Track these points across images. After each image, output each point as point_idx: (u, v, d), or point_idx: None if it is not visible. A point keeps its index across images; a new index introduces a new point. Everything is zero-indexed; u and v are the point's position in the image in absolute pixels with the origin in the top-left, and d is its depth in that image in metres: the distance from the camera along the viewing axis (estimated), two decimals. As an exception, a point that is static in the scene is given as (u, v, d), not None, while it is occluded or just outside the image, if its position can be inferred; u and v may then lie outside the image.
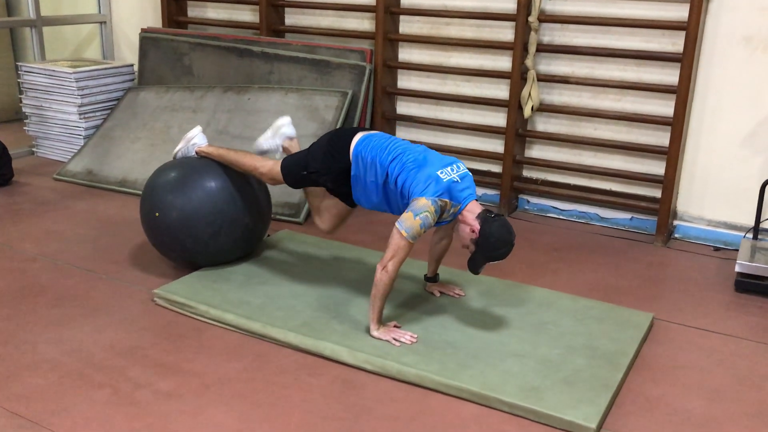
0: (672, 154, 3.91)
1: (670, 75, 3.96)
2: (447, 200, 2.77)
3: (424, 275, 3.33)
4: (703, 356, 2.88)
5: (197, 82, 5.12)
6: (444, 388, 2.56)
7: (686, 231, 4.11)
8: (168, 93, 5.12)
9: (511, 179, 4.39)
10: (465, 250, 2.86)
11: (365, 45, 4.77)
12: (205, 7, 5.42)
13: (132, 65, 5.45)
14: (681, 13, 3.84)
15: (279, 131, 3.53)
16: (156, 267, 3.53)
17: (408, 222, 2.72)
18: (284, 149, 3.49)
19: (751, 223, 3.91)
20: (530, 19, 4.08)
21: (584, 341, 2.87)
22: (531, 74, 4.16)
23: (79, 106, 5.09)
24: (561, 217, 4.42)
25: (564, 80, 4.18)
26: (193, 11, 5.49)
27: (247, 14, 5.25)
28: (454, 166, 2.88)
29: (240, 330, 2.95)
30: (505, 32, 4.36)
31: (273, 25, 5.01)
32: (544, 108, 4.26)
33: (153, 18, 5.65)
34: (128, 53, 5.88)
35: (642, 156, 4.15)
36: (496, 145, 4.55)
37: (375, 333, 2.83)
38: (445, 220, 2.86)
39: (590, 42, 4.12)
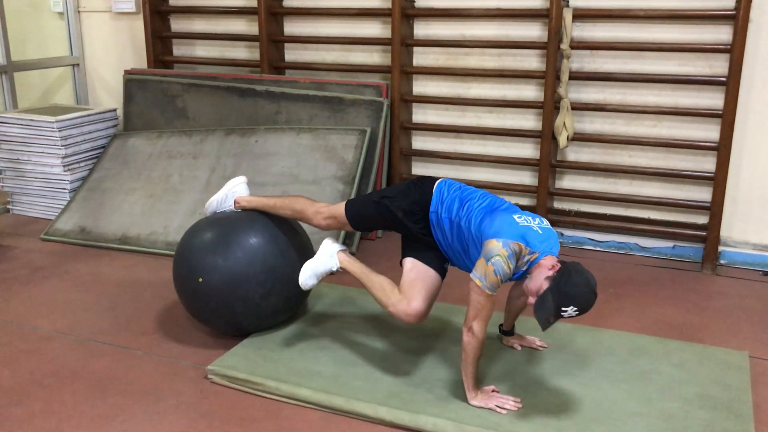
0: (719, 179, 3.80)
1: (708, 98, 3.86)
2: (520, 243, 2.45)
3: (500, 326, 3.08)
4: (817, 396, 2.72)
5: (194, 126, 4.76)
6: (574, 460, 2.31)
7: (732, 257, 4.00)
8: (161, 138, 4.73)
9: (546, 212, 4.20)
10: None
11: (376, 79, 4.53)
12: (194, 45, 5.08)
13: (115, 110, 5.04)
14: (717, 35, 3.76)
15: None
16: (194, 336, 3.17)
17: (480, 269, 2.43)
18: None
19: (801, 245, 3.83)
20: (562, 46, 3.92)
21: (695, 390, 2.67)
22: (565, 103, 3.99)
23: (63, 158, 4.66)
24: (598, 248, 4.25)
25: (600, 107, 4.03)
26: (180, 50, 5.13)
27: (242, 51, 4.93)
28: (533, 217, 2.62)
29: (320, 407, 2.62)
30: (530, 60, 4.19)
31: (274, 62, 4.71)
32: (575, 137, 4.09)
33: (133, 58, 5.26)
34: (105, 97, 5.46)
35: (681, 182, 4.02)
36: (524, 177, 4.36)
37: (474, 401, 2.56)
38: (521, 269, 2.55)
39: (622, 68, 3.99)
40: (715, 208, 3.85)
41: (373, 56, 4.58)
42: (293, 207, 3.03)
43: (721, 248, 4.00)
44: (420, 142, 4.59)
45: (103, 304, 3.52)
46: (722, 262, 4.00)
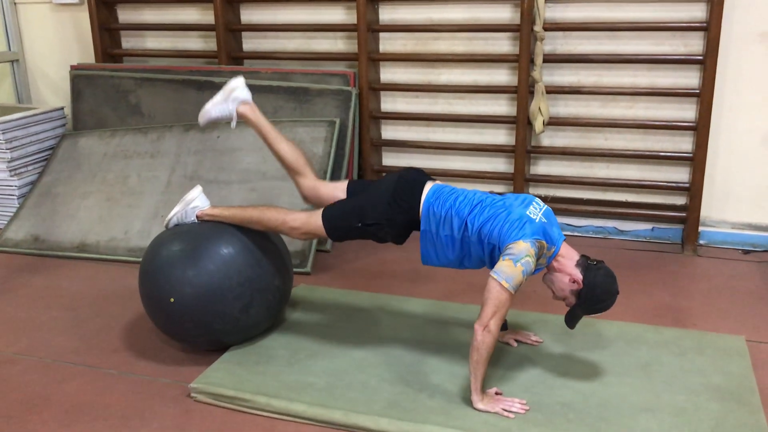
0: (698, 159, 3.76)
1: (684, 78, 3.81)
2: (543, 241, 2.45)
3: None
4: (819, 379, 2.69)
5: (149, 123, 4.49)
6: (591, 464, 2.21)
7: (711, 236, 3.98)
8: (115, 137, 4.46)
9: (523, 200, 4.09)
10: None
11: (341, 67, 4.35)
12: (144, 36, 4.80)
13: (62, 108, 4.73)
14: (693, 13, 3.69)
15: (232, 95, 2.93)
16: (168, 351, 2.96)
17: (508, 270, 2.36)
18: (240, 116, 2.94)
19: (778, 222, 3.83)
20: (536, 28, 3.81)
21: (700, 380, 2.61)
22: (539, 87, 3.88)
23: (9, 162, 4.35)
24: (576, 234, 4.18)
25: (575, 90, 3.94)
26: (129, 42, 4.84)
27: (196, 42, 4.68)
28: (535, 203, 2.56)
29: (316, 422, 2.46)
30: (501, 44, 4.07)
31: (232, 53, 4.48)
32: (550, 121, 3.99)
33: (78, 53, 4.94)
34: (50, 95, 5.13)
35: (659, 163, 3.97)
36: (499, 164, 4.25)
37: (480, 405, 2.44)
38: (540, 267, 2.52)
39: (596, 49, 3.90)
40: (694, 189, 3.81)
41: (338, 43, 4.39)
42: (262, 221, 2.81)
43: (700, 228, 3.97)
44: (390, 131, 4.43)
45: (65, 320, 3.28)
46: (702, 242, 3.98)
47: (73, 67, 4.71)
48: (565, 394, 2.54)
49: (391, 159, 4.47)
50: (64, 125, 4.73)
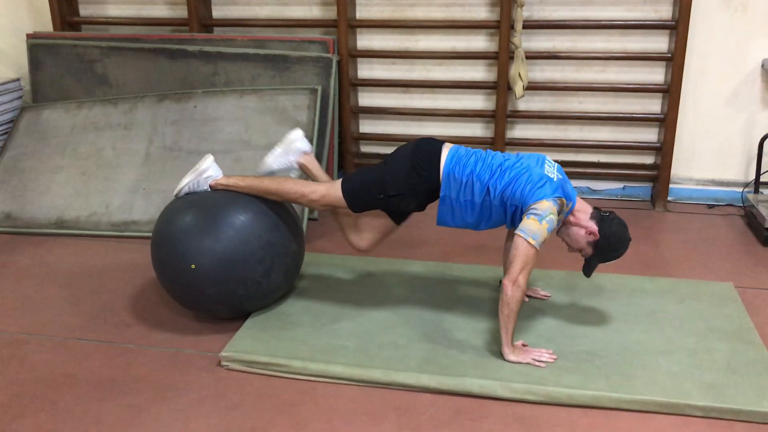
0: (670, 120, 3.97)
1: (655, 42, 4.00)
2: (563, 198, 2.57)
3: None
4: (803, 317, 2.94)
5: (118, 93, 4.34)
6: (627, 405, 2.36)
7: (678, 193, 4.22)
8: (83, 109, 4.30)
9: (503, 163, 4.22)
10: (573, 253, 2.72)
11: (316, 34, 4.32)
12: (103, 3, 4.61)
13: (19, 79, 4.51)
14: (663, -20, 3.88)
15: (292, 146, 3.00)
16: (181, 322, 2.94)
17: (534, 228, 2.48)
18: (301, 167, 3.01)
19: (739, 178, 4.12)
20: (516, -6, 3.90)
21: (704, 324, 2.81)
22: (519, 53, 3.99)
23: (-31, 137, 4.13)
24: (552, 194, 4.34)
25: (553, 55, 4.07)
26: (87, 9, 4.64)
27: (162, 9, 4.54)
28: (548, 162, 2.68)
29: (356, 381, 2.52)
30: (478, 10, 4.14)
31: (203, 20, 4.38)
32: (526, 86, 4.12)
33: (32, 21, 4.70)
34: (0, 66, 4.85)
35: (630, 125, 4.17)
36: (476, 130, 4.36)
37: (512, 357, 2.56)
38: (559, 222, 2.64)
39: (571, 15, 4.04)
40: (666, 148, 4.02)
41: (312, 10, 4.36)
42: (280, 192, 2.82)
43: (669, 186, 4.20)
44: (367, 98, 4.45)
45: (63, 298, 3.19)
46: (669, 198, 4.21)
47: (29, 36, 4.48)
48: (586, 342, 2.68)
49: (369, 126, 4.50)
50: (20, 97, 4.51)
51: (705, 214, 4.06)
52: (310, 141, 3.93)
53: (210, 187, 2.86)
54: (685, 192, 4.22)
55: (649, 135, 4.17)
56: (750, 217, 3.83)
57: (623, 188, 4.27)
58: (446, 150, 2.71)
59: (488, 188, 2.61)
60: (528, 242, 2.48)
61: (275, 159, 2.98)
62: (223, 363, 2.63)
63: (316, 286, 3.16)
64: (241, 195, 2.84)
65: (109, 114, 4.24)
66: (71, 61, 4.40)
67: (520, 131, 4.32)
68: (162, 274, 2.83)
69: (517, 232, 2.51)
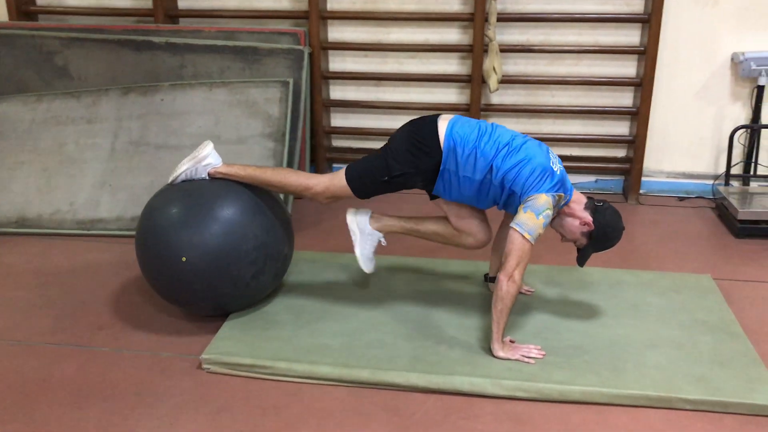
0: (642, 114, 3.99)
1: (626, 36, 4.02)
2: (561, 194, 2.55)
3: (485, 276, 3.06)
4: (781, 308, 2.98)
5: (81, 86, 4.18)
6: (618, 400, 2.35)
7: (649, 186, 4.26)
8: (42, 103, 4.12)
9: (477, 157, 4.19)
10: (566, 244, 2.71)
11: (286, 25, 4.23)
12: (63, -9, 4.44)
13: (-27, 72, 4.31)
14: (635, -27, 3.89)
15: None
16: (159, 323, 2.84)
17: (531, 223, 2.45)
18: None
19: (709, 170, 4.18)
20: (491, -13, 3.87)
21: (686, 316, 2.83)
22: (493, 46, 3.97)
23: None
24: (525, 188, 4.34)
25: (526, 49, 4.06)
26: (44, -1, 4.46)
27: (125, -1, 4.39)
28: (550, 152, 2.64)
29: (342, 382, 2.46)
30: (451, 2, 4.11)
31: (168, 11, 4.24)
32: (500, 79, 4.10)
33: (-16, 10, 4.49)
34: (-49, 56, 4.63)
35: (602, 118, 4.19)
36: (450, 123, 4.32)
37: (501, 354, 2.53)
38: (554, 214, 2.60)
39: (544, 8, 4.03)
40: (638, 141, 4.05)
41: (282, 1, 4.26)
42: (283, 184, 2.74)
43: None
44: (339, 92, 4.38)
45: (30, 300, 3.05)
46: (641, 191, 4.25)
47: (-17, 26, 4.29)
48: (574, 337, 2.67)
49: (341, 120, 4.43)
50: (-25, 90, 4.31)
51: (676, 207, 4.10)
52: (283, 136, 3.85)
53: (209, 175, 2.75)
54: (656, 185, 4.26)
55: (621, 128, 4.19)
56: (721, 209, 3.88)
57: (596, 181, 4.29)
58: (444, 121, 2.62)
59: (492, 167, 2.54)
60: (524, 237, 2.45)
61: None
62: (205, 366, 2.54)
63: (297, 285, 3.08)
64: (240, 187, 2.73)
65: (72, 108, 4.08)
66: (29, 52, 4.21)
67: (493, 125, 4.30)
68: (148, 264, 2.71)
69: (512, 225, 2.48)
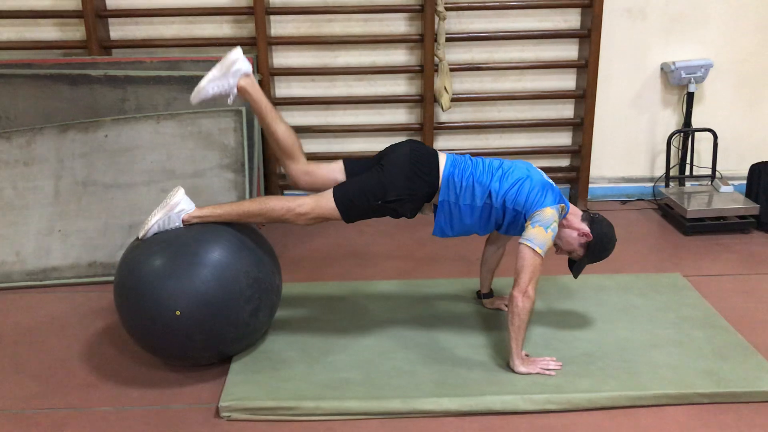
0: (587, 124, 4.18)
1: (565, 51, 4.20)
2: (563, 204, 2.64)
3: (477, 292, 3.11)
4: (754, 298, 3.17)
5: (11, 126, 3.88)
6: (642, 401, 2.44)
7: (593, 192, 4.45)
8: (-33, 146, 3.79)
9: (432, 175, 4.24)
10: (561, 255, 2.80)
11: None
12: (-24, 26, 4.11)
13: None
14: (569, -8, 4.08)
15: (232, 68, 2.65)
16: (157, 375, 2.67)
17: (540, 237, 2.52)
18: (241, 90, 2.69)
19: (646, 174, 4.43)
20: (439, 8, 3.94)
21: (674, 314, 2.98)
22: (443, 66, 4.03)
23: None
24: (477, 202, 4.43)
25: (472, 67, 4.15)
26: (-43, 33, 4.11)
27: (50, 30, 4.11)
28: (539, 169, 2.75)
29: (373, 415, 2.41)
30: (397, 24, 4.14)
31: (102, 42, 4.02)
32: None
33: None
34: None
35: (546, 130, 4.35)
36: (400, 143, 4.34)
37: (522, 369, 2.57)
38: None
39: (487, 27, 4.14)
40: (584, 150, 4.24)
41: (223, 28, 4.14)
42: (264, 212, 2.63)
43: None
44: (287, 117, 4.20)
45: (0, 364, 2.78)
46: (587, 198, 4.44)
47: None
48: (581, 345, 2.75)
49: (290, 146, 4.34)
50: None
51: (621, 210, 4.31)
52: (242, 167, 3.74)
53: (183, 222, 2.61)
54: (599, 190, 4.46)
55: (563, 139, 4.37)
56: (665, 209, 4.12)
57: (544, 191, 4.44)
58: (443, 156, 2.70)
59: (490, 192, 2.61)
60: (535, 251, 2.50)
61: (212, 83, 2.64)
62: (223, 414, 2.42)
63: (289, 318, 2.99)
64: (218, 226, 2.62)
65: (2, 150, 3.77)
66: (-52, 92, 3.87)
67: (443, 142, 4.37)
68: (136, 325, 2.55)
69: (522, 241, 2.53)
